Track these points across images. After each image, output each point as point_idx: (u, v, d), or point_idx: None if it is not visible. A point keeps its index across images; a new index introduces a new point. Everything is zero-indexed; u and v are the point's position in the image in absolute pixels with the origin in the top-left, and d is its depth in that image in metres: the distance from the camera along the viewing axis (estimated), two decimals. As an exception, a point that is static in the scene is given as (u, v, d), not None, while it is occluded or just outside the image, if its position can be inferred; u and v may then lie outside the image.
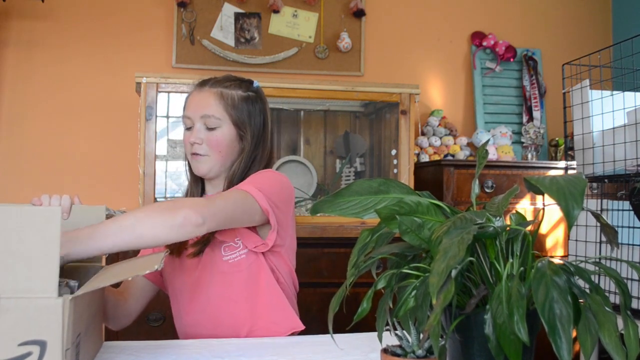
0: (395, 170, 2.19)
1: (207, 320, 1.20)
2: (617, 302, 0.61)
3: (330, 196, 0.70)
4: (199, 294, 1.21)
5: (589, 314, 0.55)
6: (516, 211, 0.74)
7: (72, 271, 0.96)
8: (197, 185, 1.30)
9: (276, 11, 2.66)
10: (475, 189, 0.71)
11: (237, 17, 2.66)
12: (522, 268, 0.62)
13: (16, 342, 0.65)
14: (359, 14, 2.74)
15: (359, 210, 0.69)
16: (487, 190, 2.25)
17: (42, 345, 0.65)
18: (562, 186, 0.54)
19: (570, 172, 2.27)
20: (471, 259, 0.61)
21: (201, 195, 1.30)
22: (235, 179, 1.22)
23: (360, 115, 2.56)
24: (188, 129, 1.24)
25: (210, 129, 1.21)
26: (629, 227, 1.60)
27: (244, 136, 1.24)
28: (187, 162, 1.30)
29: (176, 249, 1.20)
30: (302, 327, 1.20)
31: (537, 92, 2.85)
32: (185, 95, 1.33)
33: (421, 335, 0.67)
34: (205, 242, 1.16)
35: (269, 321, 1.18)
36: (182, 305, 1.23)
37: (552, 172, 2.33)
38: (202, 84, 1.28)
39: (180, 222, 0.96)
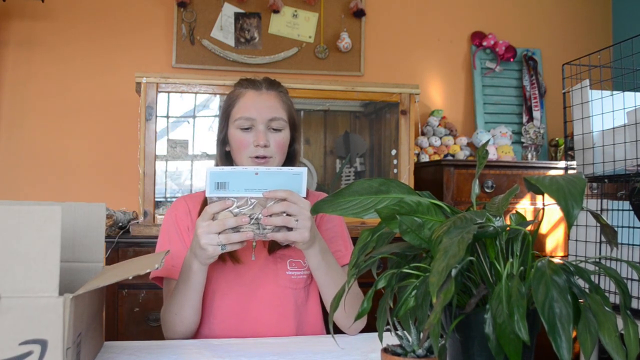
0: (395, 170, 2.19)
1: (247, 327, 1.18)
2: (617, 302, 0.61)
3: (330, 196, 0.70)
4: (248, 301, 1.19)
5: (589, 314, 0.55)
6: (516, 211, 0.74)
7: (73, 271, 0.96)
8: None
9: (276, 11, 2.67)
10: (475, 189, 0.71)
11: (237, 17, 2.67)
12: (522, 268, 0.62)
13: (17, 341, 0.65)
14: (359, 14, 2.74)
15: (359, 210, 0.69)
16: (487, 190, 2.25)
17: (43, 344, 0.65)
18: (562, 186, 0.54)
19: (570, 172, 2.27)
20: (471, 258, 0.61)
21: None
22: None
23: (360, 115, 2.57)
24: (245, 129, 1.21)
25: (275, 131, 1.21)
26: (629, 227, 1.61)
27: (296, 139, 1.28)
28: (221, 162, 1.26)
29: (235, 256, 1.18)
30: None
31: (537, 92, 2.85)
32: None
33: (421, 335, 0.67)
34: (277, 245, 1.17)
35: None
36: (221, 310, 1.19)
37: (552, 172, 2.33)
38: (257, 85, 1.25)
39: (354, 327, 1.14)
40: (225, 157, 1.27)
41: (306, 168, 1.00)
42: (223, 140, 1.26)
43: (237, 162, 1.24)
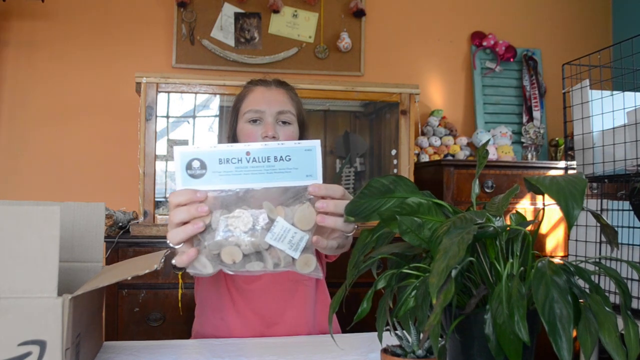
0: (395, 170, 2.18)
1: (264, 323, 1.19)
2: (617, 302, 0.61)
3: (355, 198, 0.69)
4: (260, 296, 1.20)
5: (589, 314, 0.55)
6: (516, 211, 0.74)
7: (72, 271, 0.95)
8: None
9: (276, 11, 2.66)
10: (475, 189, 0.71)
11: (237, 17, 2.66)
12: (522, 268, 0.62)
13: (16, 342, 0.65)
14: (359, 14, 2.74)
15: (367, 214, 0.68)
16: (487, 190, 2.25)
17: (42, 345, 0.65)
18: (562, 186, 0.54)
19: (570, 172, 2.27)
20: (471, 259, 0.61)
21: None
22: None
23: (360, 115, 2.56)
24: (254, 122, 1.22)
25: (284, 125, 1.22)
26: (629, 227, 1.60)
27: (305, 137, 1.29)
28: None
29: None
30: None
31: (537, 92, 2.85)
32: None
33: (421, 335, 0.67)
34: None
35: (323, 331, 1.24)
36: (235, 311, 1.19)
37: (552, 172, 2.33)
38: (266, 82, 1.28)
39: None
40: None
41: (319, 141, 0.73)
42: (233, 138, 1.27)
43: None
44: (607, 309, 0.55)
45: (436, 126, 2.70)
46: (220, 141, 2.25)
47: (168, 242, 0.73)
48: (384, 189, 0.68)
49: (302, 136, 1.28)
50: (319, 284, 1.29)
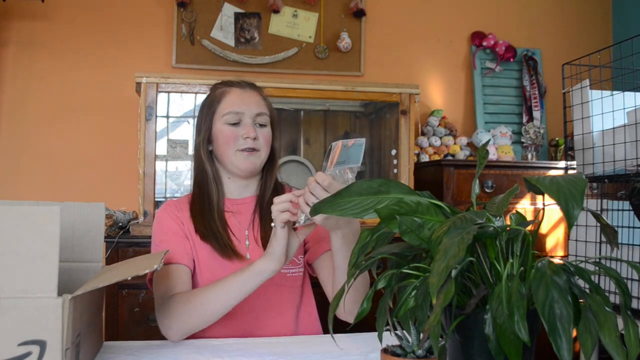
0: (395, 170, 2.18)
1: (245, 326, 1.19)
2: (617, 302, 0.61)
3: (330, 196, 0.70)
4: (246, 300, 1.16)
5: (589, 314, 0.55)
6: (516, 211, 0.74)
7: (72, 271, 0.95)
8: (220, 184, 1.27)
9: (276, 11, 2.66)
10: (475, 189, 0.71)
11: (237, 17, 2.66)
12: (522, 268, 0.62)
13: (16, 342, 0.65)
14: (359, 14, 2.74)
15: (359, 211, 0.68)
16: (487, 190, 2.25)
17: (42, 345, 0.65)
18: (562, 186, 0.54)
19: (570, 172, 2.27)
20: (471, 259, 0.61)
21: (220, 197, 1.26)
22: (272, 178, 1.30)
23: (360, 115, 2.56)
24: (233, 124, 1.23)
25: (261, 126, 1.26)
26: (629, 227, 1.60)
27: (276, 137, 1.31)
28: (207, 161, 1.26)
29: (232, 251, 1.19)
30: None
31: (537, 92, 2.85)
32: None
33: (421, 335, 0.67)
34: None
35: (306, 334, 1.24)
36: None
37: (552, 172, 2.33)
38: (240, 84, 1.29)
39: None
40: (210, 156, 1.27)
41: (365, 139, 1.01)
42: (208, 140, 1.27)
43: (223, 158, 1.25)
44: (607, 309, 0.55)
45: (436, 126, 2.70)
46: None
47: (277, 218, 1.02)
48: (373, 190, 0.68)
49: (273, 135, 1.30)
50: (305, 286, 1.27)
